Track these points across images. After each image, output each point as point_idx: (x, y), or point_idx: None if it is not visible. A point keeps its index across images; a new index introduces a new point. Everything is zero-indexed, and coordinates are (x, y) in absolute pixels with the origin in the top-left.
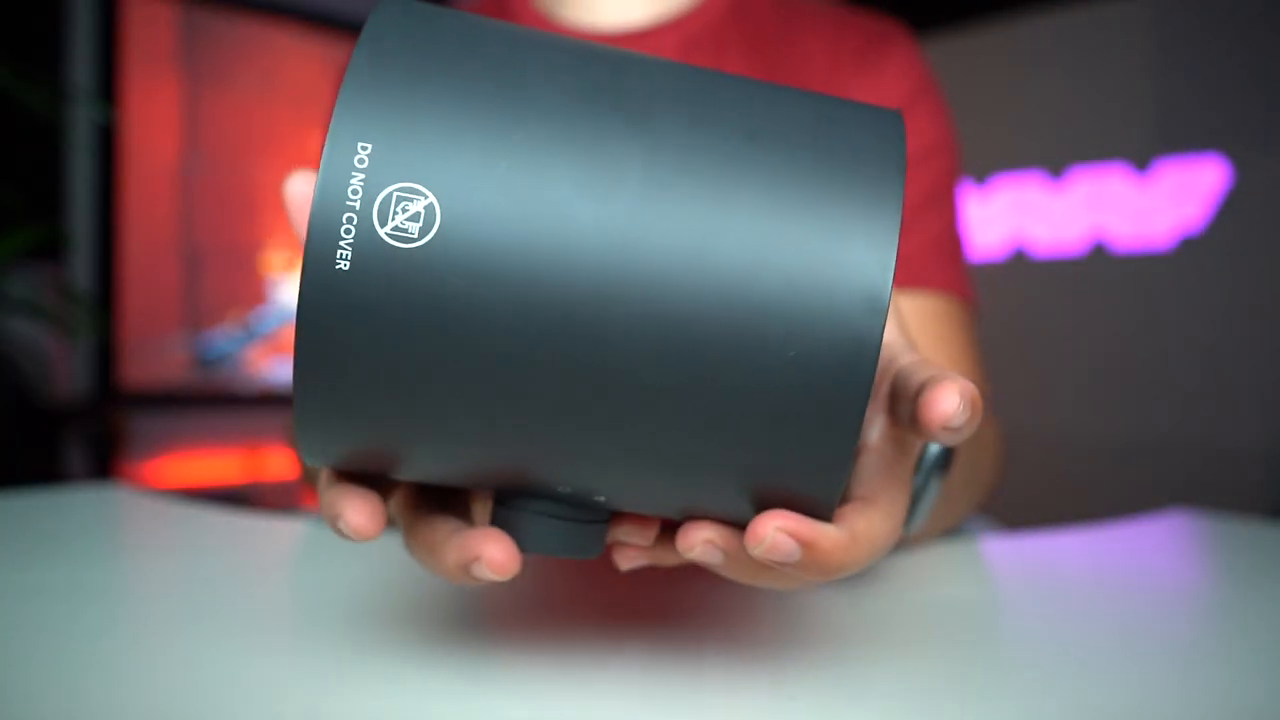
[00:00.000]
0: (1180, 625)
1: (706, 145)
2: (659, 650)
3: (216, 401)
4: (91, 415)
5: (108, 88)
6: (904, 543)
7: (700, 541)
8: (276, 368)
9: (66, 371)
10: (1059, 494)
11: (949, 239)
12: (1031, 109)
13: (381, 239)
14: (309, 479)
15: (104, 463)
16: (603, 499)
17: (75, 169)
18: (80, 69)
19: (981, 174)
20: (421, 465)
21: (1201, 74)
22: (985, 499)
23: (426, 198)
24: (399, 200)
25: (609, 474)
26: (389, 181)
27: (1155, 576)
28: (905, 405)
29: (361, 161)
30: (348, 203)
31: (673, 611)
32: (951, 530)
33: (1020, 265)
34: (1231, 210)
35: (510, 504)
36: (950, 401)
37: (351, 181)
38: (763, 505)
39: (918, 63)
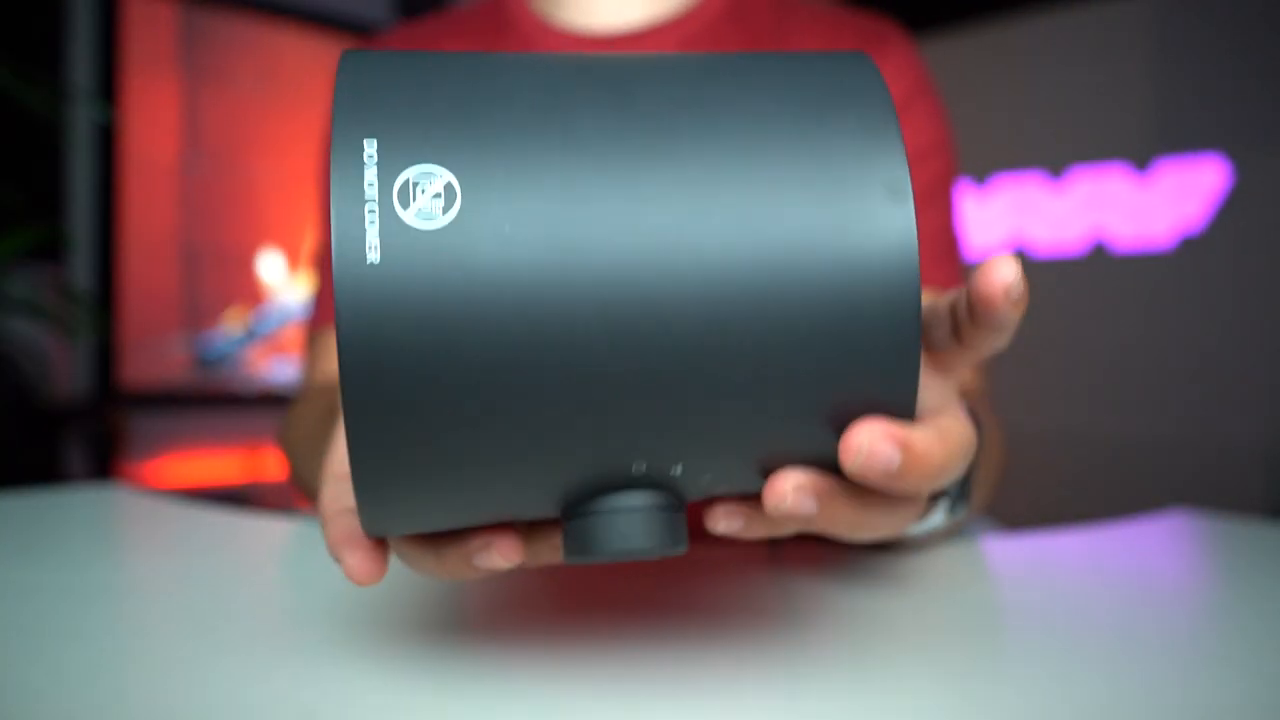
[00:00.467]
0: (1180, 625)
1: (690, 85)
2: (658, 650)
3: (216, 401)
4: (91, 415)
5: (108, 88)
6: (920, 542)
7: (791, 489)
8: (276, 368)
9: (66, 371)
10: (1059, 494)
11: (945, 238)
12: (1031, 109)
13: (408, 224)
14: (297, 482)
15: (104, 463)
16: (679, 470)
17: (75, 169)
18: (80, 69)
19: (981, 174)
20: (489, 483)
21: (1201, 74)
22: (990, 493)
23: (443, 175)
24: (416, 184)
25: (684, 430)
26: (403, 167)
27: (1155, 576)
28: (942, 325)
29: (371, 156)
30: (366, 197)
31: (672, 611)
32: (955, 528)
33: (1020, 265)
34: (1231, 210)
35: (582, 512)
36: (1008, 268)
37: (365, 175)
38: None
39: (914, 63)
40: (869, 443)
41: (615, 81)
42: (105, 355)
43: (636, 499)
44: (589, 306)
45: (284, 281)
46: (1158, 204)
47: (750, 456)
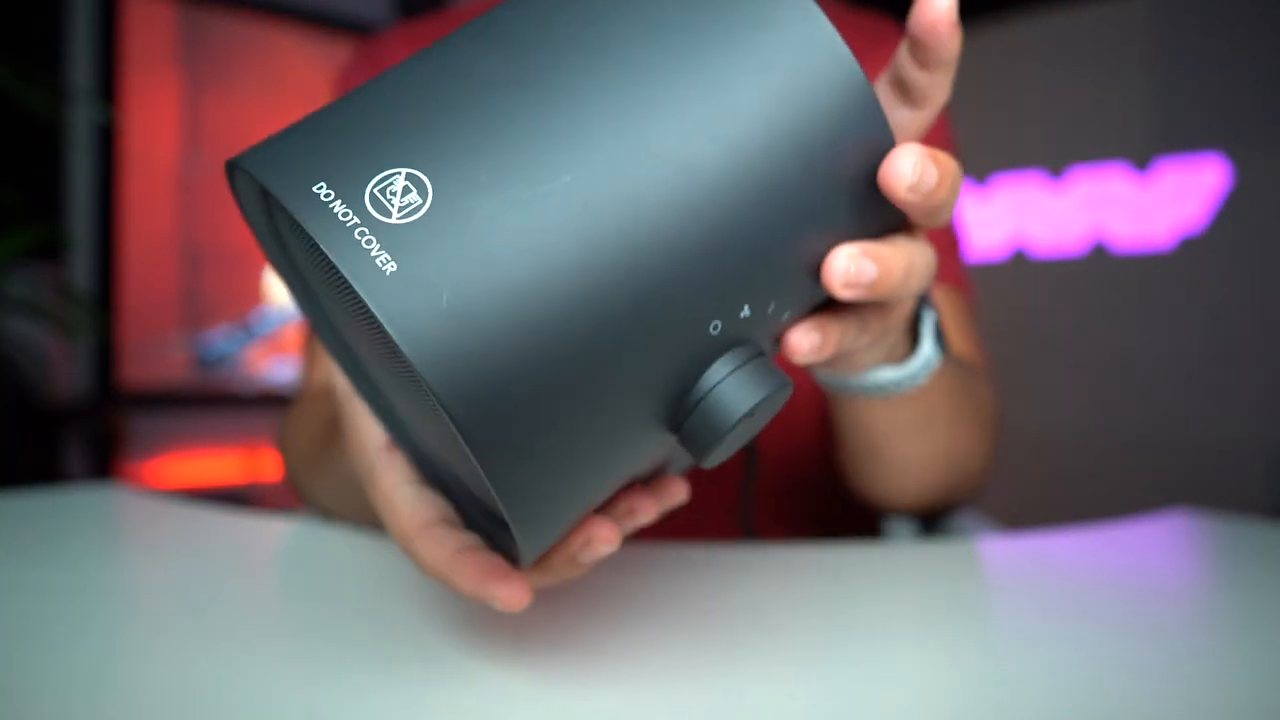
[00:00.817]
0: (1180, 625)
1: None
2: (655, 649)
3: (216, 401)
4: (91, 415)
5: (108, 88)
6: (921, 395)
7: (845, 257)
8: (276, 368)
9: (66, 371)
10: (1059, 494)
11: (946, 235)
12: (1031, 109)
13: (397, 225)
14: (294, 484)
15: (104, 463)
16: (748, 311)
17: (75, 169)
18: (80, 69)
19: (981, 174)
20: (606, 415)
21: (1201, 74)
22: (984, 452)
23: (399, 173)
24: (382, 191)
25: (737, 266)
26: (360, 188)
27: (1155, 576)
28: (888, 101)
29: (328, 195)
30: (348, 225)
31: (668, 609)
32: (957, 467)
33: (1020, 265)
34: (1231, 210)
35: (690, 407)
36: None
37: (335, 211)
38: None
39: None
40: (915, 161)
41: (483, 27)
42: (105, 355)
43: (727, 362)
44: (601, 202)
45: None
46: (1158, 204)
47: (798, 261)
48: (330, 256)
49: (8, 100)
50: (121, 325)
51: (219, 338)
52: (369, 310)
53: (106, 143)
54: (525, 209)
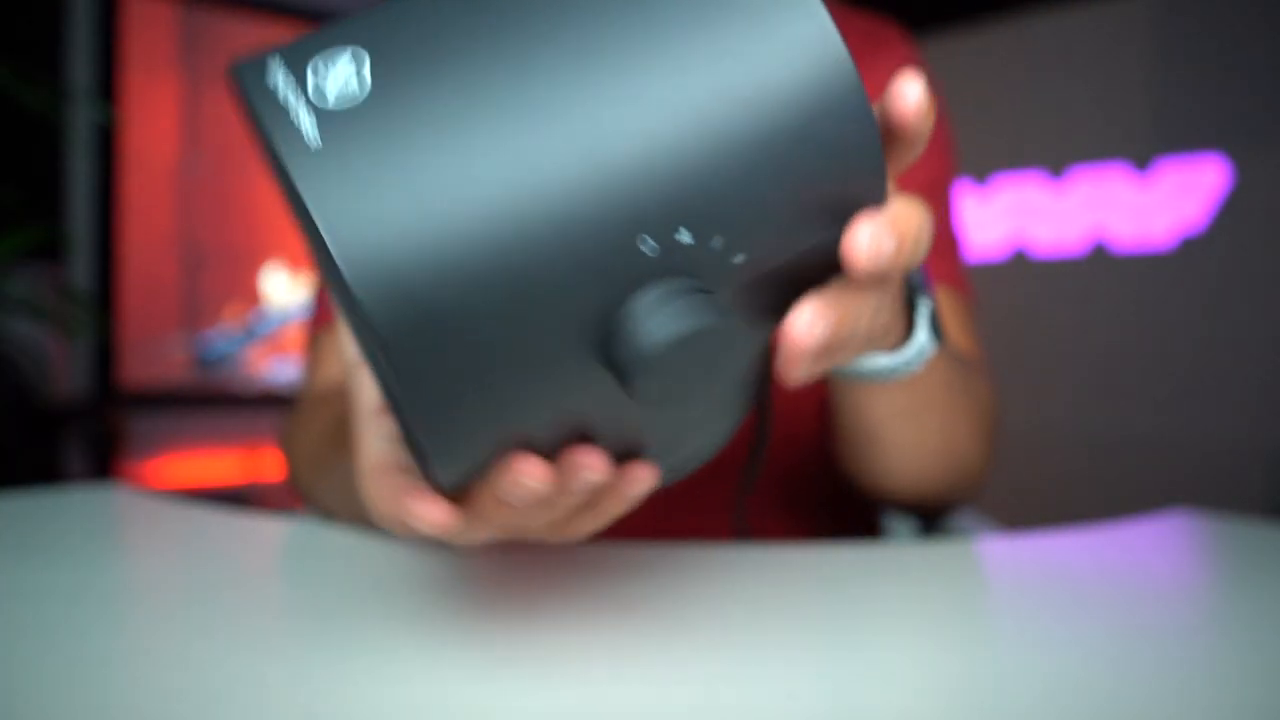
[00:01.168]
0: (1180, 625)
1: None
2: (655, 649)
3: (216, 401)
4: (91, 415)
5: (108, 88)
6: (918, 384)
7: (869, 227)
8: (276, 368)
9: (66, 371)
10: (1059, 493)
11: (945, 235)
12: (1031, 109)
13: (333, 111)
14: (295, 483)
15: (104, 463)
16: (686, 236)
17: (75, 169)
18: (80, 69)
19: (981, 174)
20: (526, 331)
21: (1201, 74)
22: (981, 449)
23: (344, 54)
24: (322, 81)
25: (669, 182)
26: (303, 72)
27: (1155, 576)
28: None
29: (272, 78)
30: (282, 99)
31: (668, 609)
32: (951, 457)
33: (1020, 265)
34: (1231, 210)
35: (615, 327)
36: (913, 90)
37: (274, 84)
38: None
39: (915, 62)
40: (869, 236)
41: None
42: (105, 355)
43: (663, 287)
44: (532, 116)
45: (285, 293)
46: (1158, 204)
47: (753, 200)
48: (260, 124)
49: (8, 100)
50: (121, 325)
51: (219, 338)
52: (299, 193)
53: (106, 143)
54: (454, 120)
